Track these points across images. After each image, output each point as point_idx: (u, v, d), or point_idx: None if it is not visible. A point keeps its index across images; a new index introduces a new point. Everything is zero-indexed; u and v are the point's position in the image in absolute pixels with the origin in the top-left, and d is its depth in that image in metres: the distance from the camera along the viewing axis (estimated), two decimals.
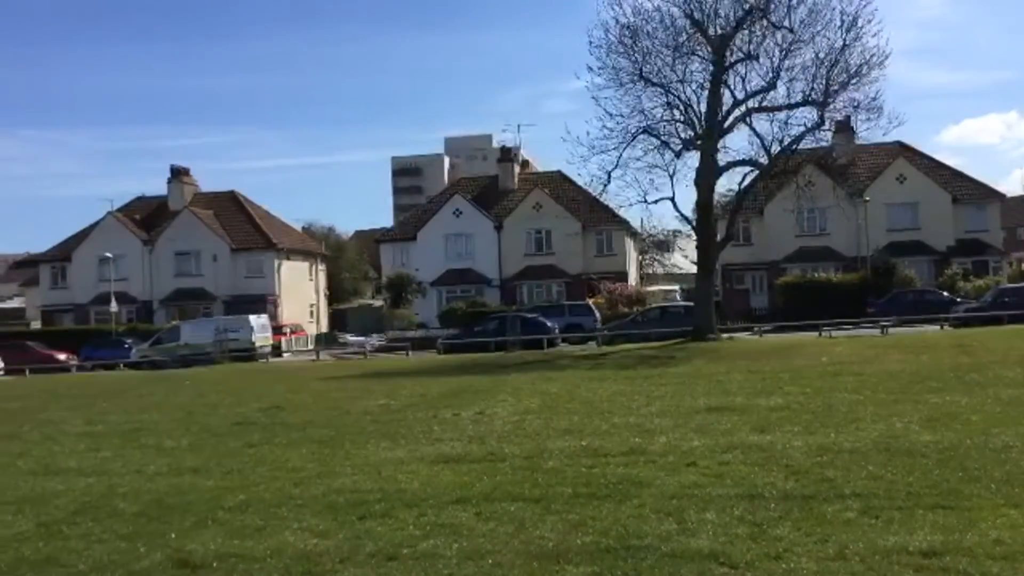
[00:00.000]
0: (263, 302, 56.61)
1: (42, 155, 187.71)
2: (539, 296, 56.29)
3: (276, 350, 47.00)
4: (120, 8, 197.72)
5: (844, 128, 42.54)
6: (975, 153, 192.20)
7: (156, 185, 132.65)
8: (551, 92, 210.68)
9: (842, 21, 33.44)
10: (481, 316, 45.93)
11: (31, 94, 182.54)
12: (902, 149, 55.11)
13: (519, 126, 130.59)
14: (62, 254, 62.06)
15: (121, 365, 43.28)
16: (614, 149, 35.54)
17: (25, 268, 76.76)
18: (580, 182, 47.20)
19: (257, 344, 43.93)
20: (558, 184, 60.54)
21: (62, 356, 45.69)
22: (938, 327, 36.11)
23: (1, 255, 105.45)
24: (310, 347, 51.14)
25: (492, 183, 64.04)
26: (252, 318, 45.36)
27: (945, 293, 43.36)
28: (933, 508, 8.00)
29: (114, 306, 52.39)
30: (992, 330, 31.08)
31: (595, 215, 56.32)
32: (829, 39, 33.86)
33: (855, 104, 34.45)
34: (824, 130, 36.25)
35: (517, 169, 64.91)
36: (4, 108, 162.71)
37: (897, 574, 6.39)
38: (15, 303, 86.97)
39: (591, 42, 36.28)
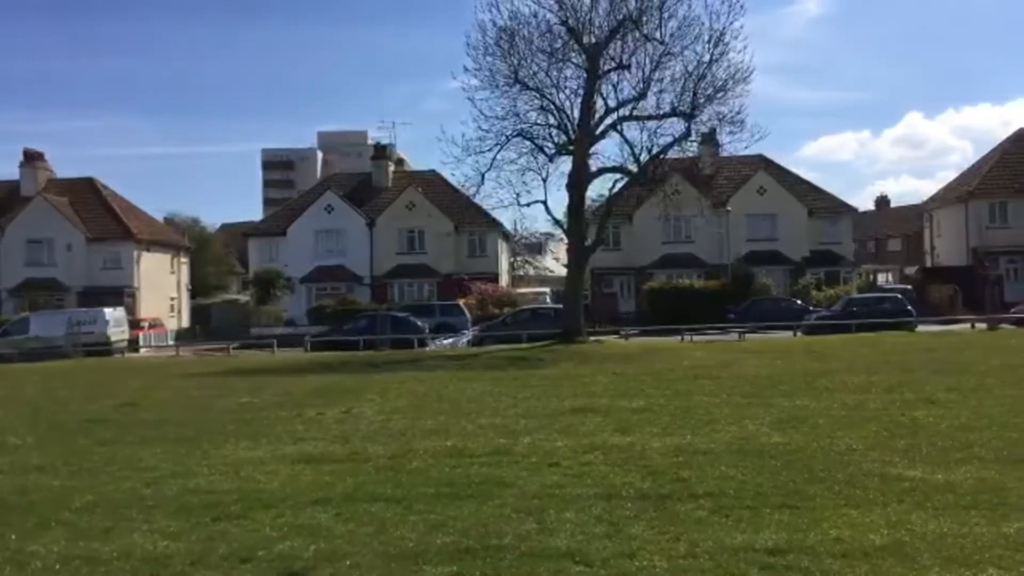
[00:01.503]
0: (120, 295, 54.24)
1: None
2: (410, 295, 56.07)
3: (133, 345, 45.41)
4: None
5: (709, 140, 44.05)
6: (831, 169, 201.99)
7: (8, 170, 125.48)
8: (429, 91, 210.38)
9: (710, 36, 34.68)
10: (351, 314, 45.37)
11: None
12: (763, 162, 57.35)
13: (395, 123, 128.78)
14: None
15: None
16: (488, 151, 35.92)
17: None
18: (454, 182, 47.36)
19: (112, 338, 42.37)
20: (432, 184, 60.32)
21: None
22: (792, 334, 37.79)
23: None
24: (170, 342, 49.50)
25: (365, 180, 63.35)
26: (107, 311, 43.67)
27: (799, 301, 45.32)
28: (779, 508, 8.35)
29: None
30: (841, 338, 32.73)
31: (468, 216, 56.65)
32: (697, 53, 35.08)
33: (720, 117, 35.71)
34: (691, 141, 37.64)
35: (391, 167, 64.50)
36: None
37: (743, 571, 6.64)
38: None
39: (468, 43, 36.59)
